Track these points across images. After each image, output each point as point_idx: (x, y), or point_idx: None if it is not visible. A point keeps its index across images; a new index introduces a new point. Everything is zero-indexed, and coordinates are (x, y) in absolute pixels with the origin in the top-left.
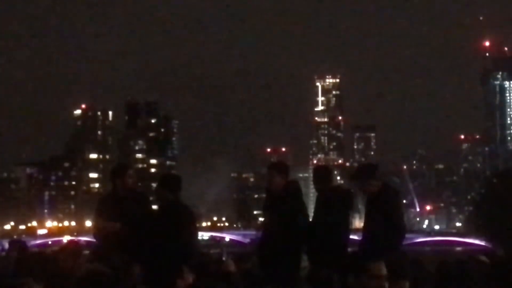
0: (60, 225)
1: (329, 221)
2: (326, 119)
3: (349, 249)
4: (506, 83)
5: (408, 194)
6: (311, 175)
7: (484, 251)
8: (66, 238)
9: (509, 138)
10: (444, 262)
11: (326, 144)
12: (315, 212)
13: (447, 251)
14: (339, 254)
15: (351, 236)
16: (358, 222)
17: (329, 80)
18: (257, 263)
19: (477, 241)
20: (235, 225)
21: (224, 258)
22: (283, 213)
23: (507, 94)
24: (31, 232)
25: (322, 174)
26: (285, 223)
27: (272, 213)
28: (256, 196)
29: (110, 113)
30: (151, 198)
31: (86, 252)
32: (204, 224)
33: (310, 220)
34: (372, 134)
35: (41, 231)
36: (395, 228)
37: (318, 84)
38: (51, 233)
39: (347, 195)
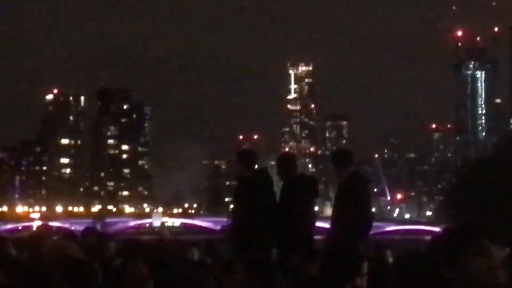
0: (31, 210)
1: (294, 209)
2: (298, 107)
3: (317, 237)
4: (478, 73)
5: (379, 182)
6: None
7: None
8: (36, 223)
9: (480, 128)
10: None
11: (298, 132)
12: (280, 201)
13: (416, 240)
14: (305, 241)
15: (323, 224)
16: (329, 210)
17: (302, 68)
18: (230, 249)
19: None
20: (201, 212)
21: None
22: (250, 200)
23: (479, 84)
24: (3, 216)
25: (285, 163)
26: (252, 210)
27: (240, 200)
28: (227, 183)
29: (82, 98)
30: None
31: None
32: (175, 210)
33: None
34: (344, 123)
35: (34, 215)
36: (361, 216)
37: (291, 72)
38: (22, 218)
39: (311, 182)
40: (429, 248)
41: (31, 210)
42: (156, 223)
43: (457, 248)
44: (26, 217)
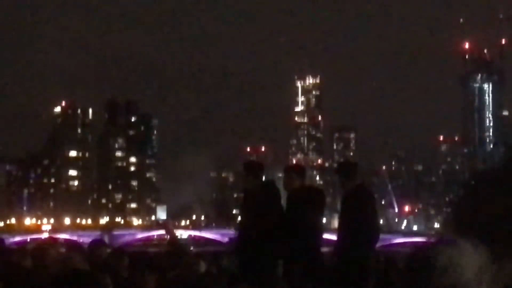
0: (39, 222)
1: (300, 221)
2: (306, 120)
3: (324, 249)
4: (485, 85)
5: (386, 195)
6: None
7: None
8: (44, 235)
9: (487, 140)
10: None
11: (305, 144)
12: (286, 212)
13: None
14: (311, 253)
15: (330, 236)
16: (337, 222)
17: (310, 81)
18: (234, 261)
19: None
20: (204, 224)
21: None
22: (257, 212)
23: (486, 97)
24: (11, 229)
25: (293, 174)
26: (259, 222)
27: (247, 212)
28: (235, 195)
29: (90, 110)
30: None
31: (63, 249)
32: (182, 223)
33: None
34: (352, 135)
35: (46, 227)
36: (367, 228)
37: (298, 84)
38: (30, 230)
39: (318, 194)
40: (405, 264)
41: (39, 222)
42: (161, 215)
43: (429, 262)
44: (34, 230)
